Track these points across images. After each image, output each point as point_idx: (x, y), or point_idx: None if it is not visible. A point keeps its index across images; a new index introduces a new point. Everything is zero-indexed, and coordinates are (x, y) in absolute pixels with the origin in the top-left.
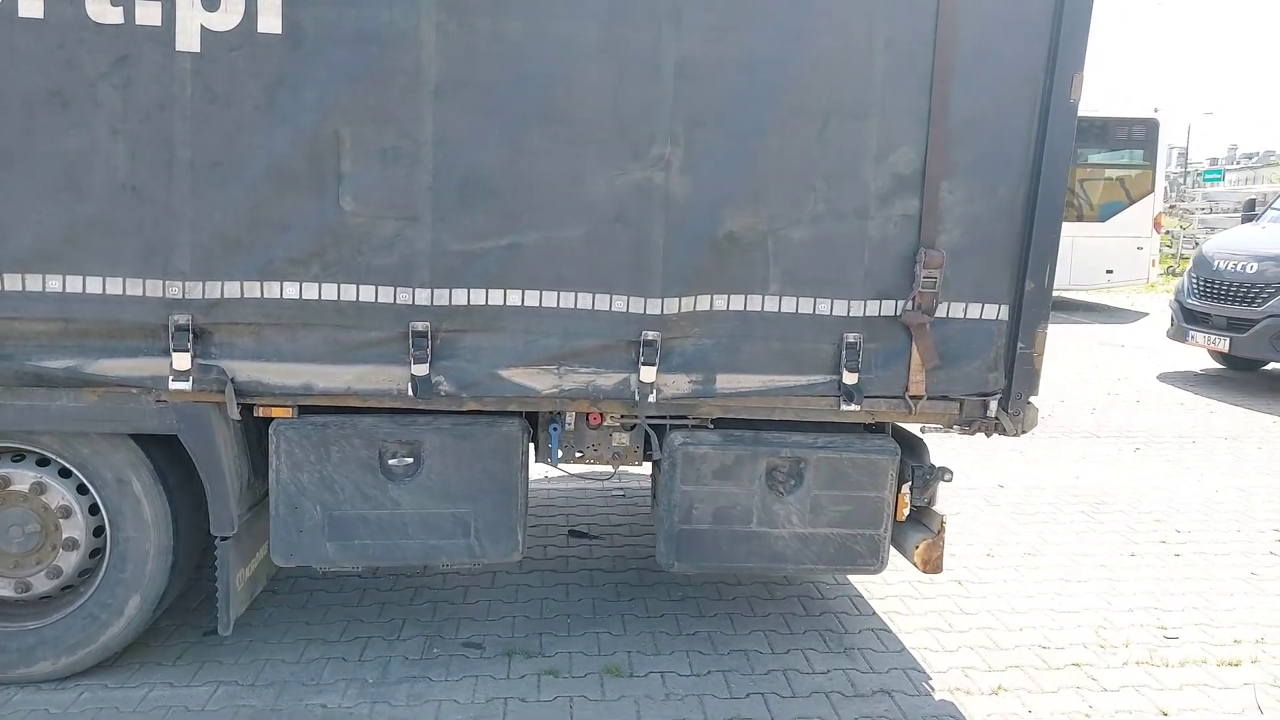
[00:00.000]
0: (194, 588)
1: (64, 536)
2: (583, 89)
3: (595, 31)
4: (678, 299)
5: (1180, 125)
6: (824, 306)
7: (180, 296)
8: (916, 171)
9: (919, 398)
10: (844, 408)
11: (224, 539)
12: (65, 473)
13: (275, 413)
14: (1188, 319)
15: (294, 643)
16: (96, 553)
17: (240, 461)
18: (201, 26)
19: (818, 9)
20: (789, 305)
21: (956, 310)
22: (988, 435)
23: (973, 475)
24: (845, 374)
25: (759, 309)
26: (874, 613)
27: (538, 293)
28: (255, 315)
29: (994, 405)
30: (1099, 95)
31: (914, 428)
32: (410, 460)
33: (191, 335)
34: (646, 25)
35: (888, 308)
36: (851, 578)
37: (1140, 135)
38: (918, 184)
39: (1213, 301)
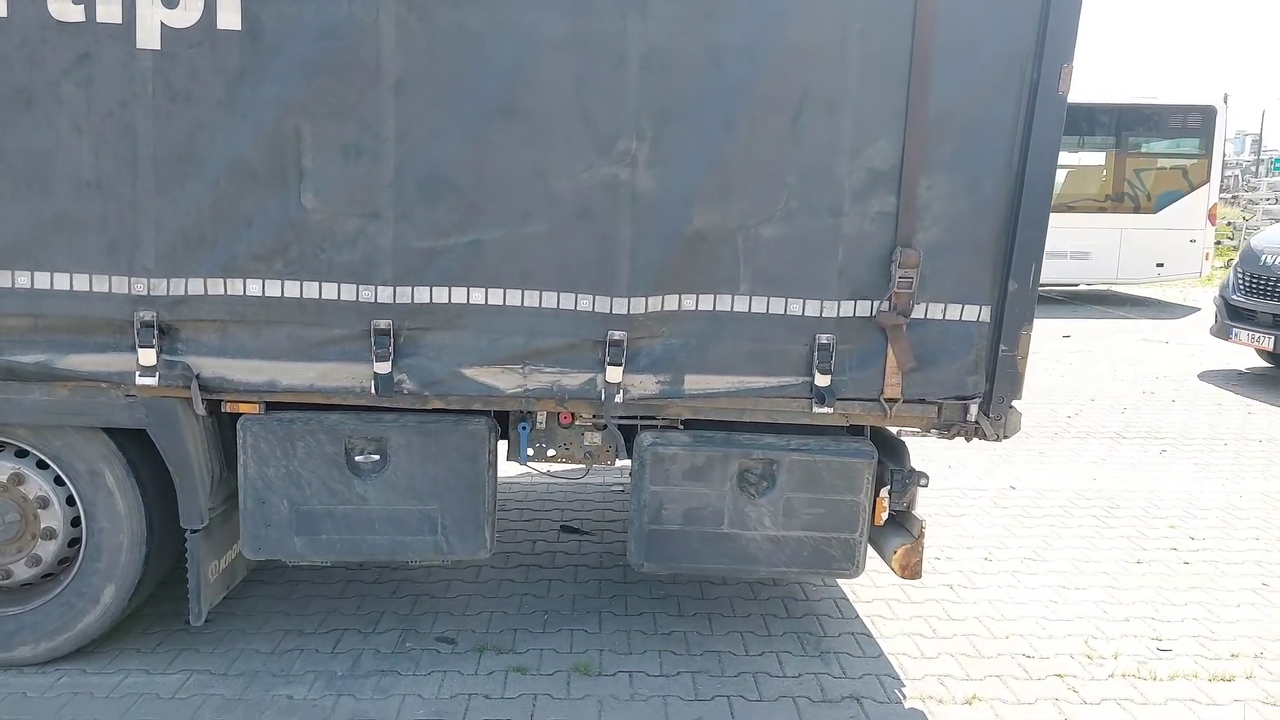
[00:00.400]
0: (182, 577)
1: (42, 526)
2: (546, 82)
3: (559, 23)
4: (645, 298)
5: (1253, 111)
6: (796, 306)
7: (145, 293)
8: (894, 166)
9: (895, 401)
10: (816, 410)
11: (194, 532)
12: (43, 464)
13: (242, 408)
14: (1232, 315)
15: (271, 633)
16: (75, 541)
17: (211, 456)
18: (161, 24)
19: None
20: (760, 305)
21: (935, 311)
22: (967, 439)
23: (985, 476)
24: (817, 376)
25: (729, 309)
26: (857, 616)
27: (501, 291)
28: (219, 312)
29: (974, 409)
30: (1162, 80)
31: (893, 430)
32: (377, 456)
33: (157, 331)
34: (612, 17)
35: (862, 308)
36: (840, 580)
37: (1196, 123)
38: (895, 179)
39: (1259, 298)
